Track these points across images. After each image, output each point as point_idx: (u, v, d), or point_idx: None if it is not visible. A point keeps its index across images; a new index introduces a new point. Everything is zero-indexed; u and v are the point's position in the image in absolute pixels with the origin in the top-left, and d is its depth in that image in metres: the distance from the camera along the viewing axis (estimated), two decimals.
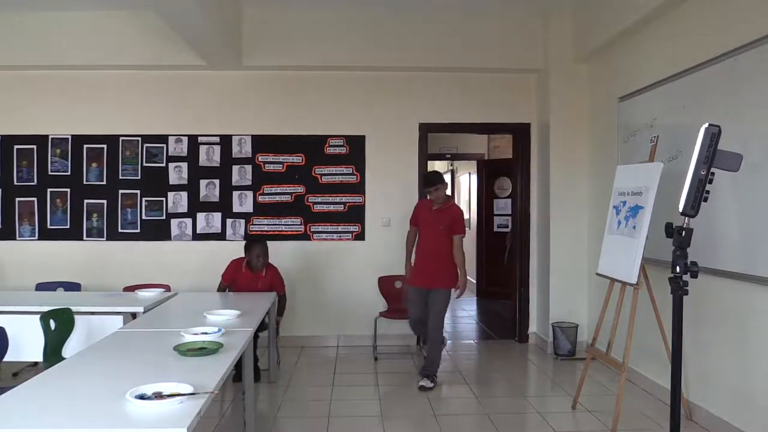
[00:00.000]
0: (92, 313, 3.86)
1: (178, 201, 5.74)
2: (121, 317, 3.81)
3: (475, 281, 8.92)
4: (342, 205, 5.79)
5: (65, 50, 5.41)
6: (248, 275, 4.70)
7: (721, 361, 3.53)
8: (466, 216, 10.35)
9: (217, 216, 5.75)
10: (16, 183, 5.67)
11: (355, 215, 5.79)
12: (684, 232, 2.58)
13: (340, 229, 5.77)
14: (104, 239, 5.70)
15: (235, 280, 4.70)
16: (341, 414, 3.91)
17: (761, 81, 3.15)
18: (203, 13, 4.21)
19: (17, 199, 5.67)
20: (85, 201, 5.70)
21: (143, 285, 4.94)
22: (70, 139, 5.70)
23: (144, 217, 5.71)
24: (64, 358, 3.28)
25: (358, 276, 5.71)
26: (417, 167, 5.83)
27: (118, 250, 5.68)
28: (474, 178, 9.29)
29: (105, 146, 5.69)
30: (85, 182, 5.69)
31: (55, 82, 5.65)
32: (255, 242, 4.75)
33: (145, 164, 5.73)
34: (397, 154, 5.81)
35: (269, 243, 4.82)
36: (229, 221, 5.75)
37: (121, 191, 5.71)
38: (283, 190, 5.78)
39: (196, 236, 5.74)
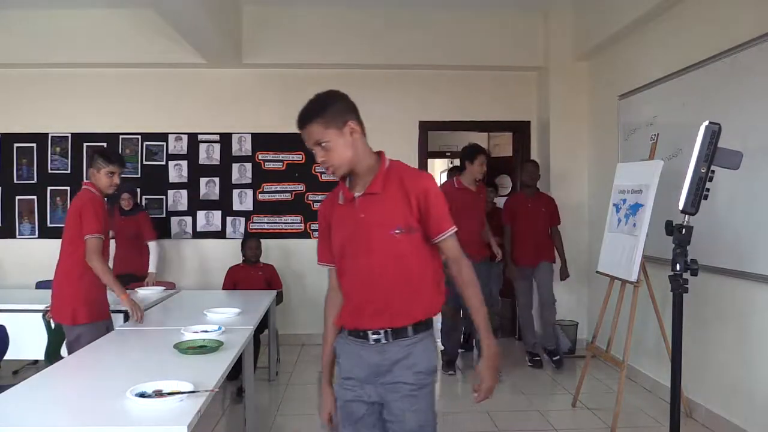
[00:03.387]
0: None
1: (178, 199, 5.74)
2: (121, 315, 3.81)
3: None
4: None
5: (65, 48, 5.40)
6: (246, 269, 4.85)
7: (721, 358, 3.53)
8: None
9: (217, 214, 5.75)
10: (16, 181, 5.66)
11: None
12: (684, 230, 2.58)
13: None
14: None
15: (235, 281, 4.76)
16: None
17: (761, 79, 3.15)
18: (203, 11, 4.21)
19: (17, 197, 5.67)
20: None
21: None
22: (69, 137, 5.69)
23: None
24: (63, 357, 3.29)
25: None
26: (417, 165, 5.81)
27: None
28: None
29: (105, 144, 5.68)
30: (85, 180, 5.68)
31: (55, 80, 5.64)
32: (248, 238, 5.02)
33: (144, 162, 5.72)
34: (397, 152, 5.61)
35: (269, 241, 4.87)
36: (229, 219, 5.75)
37: None
38: (283, 188, 5.77)
39: (196, 234, 5.74)
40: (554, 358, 4.90)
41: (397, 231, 1.80)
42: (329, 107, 1.80)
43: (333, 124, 1.78)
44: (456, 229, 1.85)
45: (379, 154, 1.95)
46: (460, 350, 5.12)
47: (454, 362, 4.90)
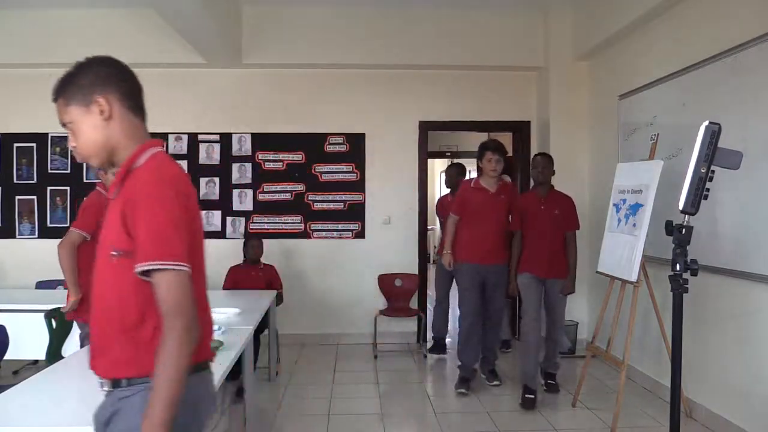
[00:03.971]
0: None
1: None
2: None
3: None
4: (342, 203, 5.78)
5: (64, 48, 5.36)
6: (247, 269, 4.85)
7: (721, 358, 3.53)
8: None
9: (217, 214, 5.75)
10: (16, 181, 5.66)
11: (355, 213, 5.78)
12: (684, 230, 2.58)
13: (340, 227, 5.77)
14: None
15: (236, 280, 4.77)
16: (341, 412, 3.92)
17: (761, 79, 3.15)
18: (203, 11, 4.21)
19: (17, 197, 5.67)
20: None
21: None
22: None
23: None
24: (63, 357, 3.29)
25: (358, 274, 5.71)
26: (417, 165, 5.83)
27: None
28: (474, 175, 9.28)
29: None
30: (85, 180, 5.69)
31: (55, 80, 5.62)
32: (251, 237, 5.05)
33: None
34: (397, 152, 5.81)
35: (269, 241, 4.94)
36: (228, 219, 5.75)
37: None
38: (283, 188, 5.77)
39: None
40: (549, 381, 4.31)
41: (114, 252, 1.36)
42: (74, 79, 1.45)
43: (76, 101, 1.43)
44: (182, 268, 1.34)
45: (143, 146, 1.44)
46: None
47: (468, 381, 4.32)
